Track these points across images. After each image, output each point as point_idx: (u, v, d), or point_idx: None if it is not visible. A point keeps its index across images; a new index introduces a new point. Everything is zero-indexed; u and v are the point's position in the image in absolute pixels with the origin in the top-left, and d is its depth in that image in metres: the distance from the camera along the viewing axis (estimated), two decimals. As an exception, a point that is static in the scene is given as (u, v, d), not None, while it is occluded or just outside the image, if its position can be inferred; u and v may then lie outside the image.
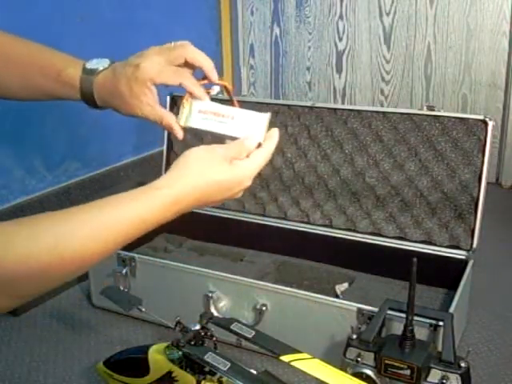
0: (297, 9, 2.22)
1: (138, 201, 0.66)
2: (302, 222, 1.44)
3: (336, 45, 2.20)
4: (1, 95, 0.88)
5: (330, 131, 1.38)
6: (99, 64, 0.84)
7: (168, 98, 1.45)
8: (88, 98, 0.85)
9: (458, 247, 1.28)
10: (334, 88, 2.26)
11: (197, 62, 0.80)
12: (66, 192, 1.59)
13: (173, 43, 0.81)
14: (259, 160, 0.75)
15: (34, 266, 0.59)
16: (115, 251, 0.67)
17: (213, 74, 0.80)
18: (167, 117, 0.81)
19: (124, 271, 1.28)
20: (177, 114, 0.81)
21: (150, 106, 0.80)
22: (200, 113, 0.80)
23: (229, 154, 0.73)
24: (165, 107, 0.83)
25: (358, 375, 0.89)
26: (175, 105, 1.44)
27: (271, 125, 0.78)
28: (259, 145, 0.76)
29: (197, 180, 0.70)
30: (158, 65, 0.79)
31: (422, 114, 1.28)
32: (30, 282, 0.61)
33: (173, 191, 0.68)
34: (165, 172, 0.72)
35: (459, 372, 0.85)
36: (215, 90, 0.84)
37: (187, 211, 0.71)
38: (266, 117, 0.77)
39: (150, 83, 0.78)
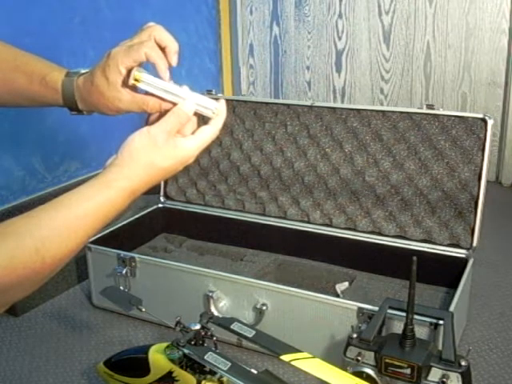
0: (296, 8, 2.22)
1: (100, 195, 0.71)
2: (302, 222, 1.44)
3: (335, 44, 2.20)
4: None
5: (330, 130, 1.38)
6: (84, 69, 0.83)
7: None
8: (70, 102, 0.83)
9: (458, 246, 1.28)
10: (334, 87, 2.25)
11: (163, 42, 0.77)
12: (66, 192, 1.59)
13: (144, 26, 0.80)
14: (204, 138, 0.78)
15: (21, 273, 0.62)
16: (87, 242, 0.75)
17: (173, 57, 0.78)
18: (150, 99, 0.79)
19: (124, 271, 1.28)
20: None
21: (130, 94, 0.79)
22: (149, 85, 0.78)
23: (167, 129, 0.75)
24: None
25: (359, 374, 0.89)
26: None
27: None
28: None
29: (148, 171, 0.74)
30: (125, 46, 0.77)
31: (422, 113, 1.28)
32: (19, 288, 0.64)
33: (130, 183, 0.73)
34: None
35: (459, 371, 0.85)
36: None
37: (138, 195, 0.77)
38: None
39: (121, 67, 0.77)
